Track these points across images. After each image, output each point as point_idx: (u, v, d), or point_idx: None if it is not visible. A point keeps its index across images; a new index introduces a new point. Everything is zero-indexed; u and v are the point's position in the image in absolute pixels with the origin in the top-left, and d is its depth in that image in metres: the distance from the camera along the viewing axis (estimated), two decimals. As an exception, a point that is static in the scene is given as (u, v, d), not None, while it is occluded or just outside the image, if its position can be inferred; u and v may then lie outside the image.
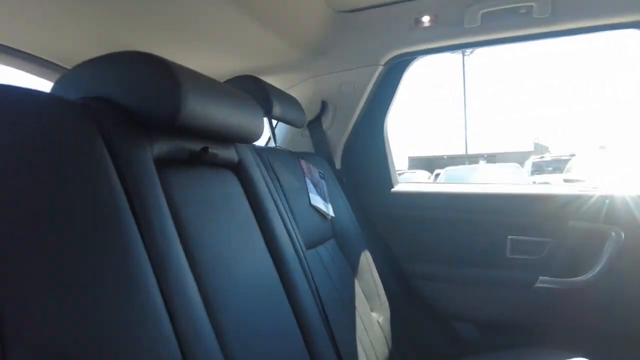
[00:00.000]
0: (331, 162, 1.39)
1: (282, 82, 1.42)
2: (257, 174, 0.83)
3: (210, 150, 0.67)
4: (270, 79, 1.36)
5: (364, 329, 1.08)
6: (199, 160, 0.68)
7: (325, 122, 1.41)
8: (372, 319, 1.16)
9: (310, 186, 1.14)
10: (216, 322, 0.57)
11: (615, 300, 1.21)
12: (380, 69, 1.30)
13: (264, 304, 0.69)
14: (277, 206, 0.86)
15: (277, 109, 1.04)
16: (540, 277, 1.26)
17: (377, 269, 1.27)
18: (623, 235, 1.20)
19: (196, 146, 0.67)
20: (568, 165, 6.67)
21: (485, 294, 1.33)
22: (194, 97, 0.58)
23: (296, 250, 0.85)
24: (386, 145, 1.46)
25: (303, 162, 1.17)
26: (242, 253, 0.70)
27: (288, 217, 0.90)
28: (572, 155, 7.51)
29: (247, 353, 0.60)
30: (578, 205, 1.26)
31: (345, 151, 1.44)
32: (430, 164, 14.60)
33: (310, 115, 1.41)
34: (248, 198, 0.79)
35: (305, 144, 1.43)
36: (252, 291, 0.68)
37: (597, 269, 1.22)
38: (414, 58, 1.33)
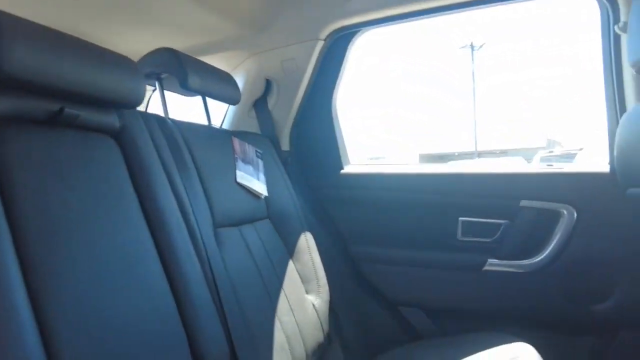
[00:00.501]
0: (276, 143, 1.34)
1: (226, 62, 1.38)
2: (146, 143, 0.79)
3: (66, 110, 0.63)
4: (213, 60, 1.33)
5: (289, 311, 1.03)
6: (63, 122, 0.65)
7: (271, 102, 1.37)
8: (305, 302, 1.11)
9: (239, 164, 1.10)
10: (46, 306, 0.52)
11: (566, 282, 1.14)
12: (321, 44, 1.25)
13: (132, 278, 0.65)
14: (172, 178, 0.82)
15: (194, 81, 1.00)
16: (489, 260, 1.20)
17: (324, 252, 1.23)
18: (575, 214, 1.13)
19: (56, 106, 0.63)
20: (576, 159, 6.49)
21: (434, 278, 1.27)
22: (27, 49, 0.55)
23: (189, 225, 0.80)
24: (335, 125, 1.40)
25: (236, 140, 1.13)
26: (108, 223, 0.66)
27: (190, 191, 0.86)
28: (581, 149, 7.32)
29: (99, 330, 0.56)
30: (530, 184, 1.19)
31: (293, 132, 1.39)
32: (441, 160, 14.42)
33: (255, 95, 1.37)
34: (130, 167, 0.74)
35: (252, 124, 1.38)
36: (120, 264, 0.64)
37: (549, 249, 1.15)
38: (357, 32, 1.28)
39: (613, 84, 1.05)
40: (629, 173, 0.90)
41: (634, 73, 0.96)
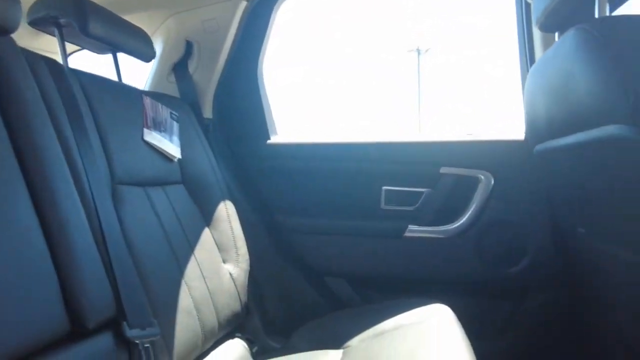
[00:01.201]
0: (198, 110, 1.28)
1: (148, 22, 1.29)
2: (26, 77, 0.70)
3: None
4: (133, 19, 1.24)
5: (200, 277, 0.97)
6: None
7: (192, 65, 1.30)
8: (221, 270, 1.06)
9: (149, 122, 1.03)
10: None
11: (483, 246, 1.16)
12: (243, 4, 1.20)
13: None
14: (57, 121, 0.73)
15: (96, 28, 0.92)
16: (410, 227, 1.20)
17: (247, 222, 1.18)
18: (492, 179, 1.15)
19: None
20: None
21: (359, 247, 1.25)
22: None
23: (75, 171, 0.73)
24: (261, 93, 1.36)
25: (147, 99, 1.06)
26: None
27: (82, 139, 0.78)
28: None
29: None
30: (450, 151, 1.21)
31: (217, 99, 1.33)
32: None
33: (174, 57, 1.29)
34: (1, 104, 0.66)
35: (171, 89, 1.30)
36: None
37: (467, 214, 1.17)
38: (280, -7, 1.24)
39: (525, 48, 1.08)
40: (534, 127, 0.92)
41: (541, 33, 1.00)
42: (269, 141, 1.35)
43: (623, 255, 0.76)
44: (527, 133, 1.01)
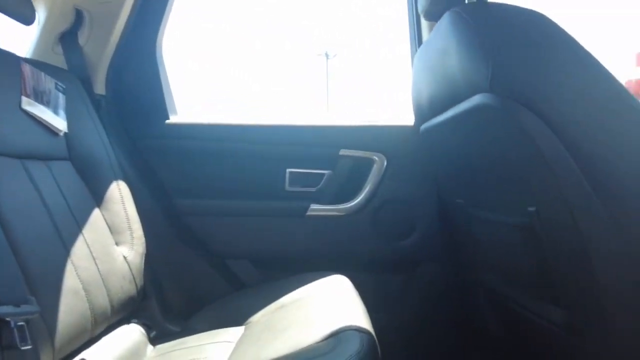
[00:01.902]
0: (88, 84, 1.18)
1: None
2: None
3: None
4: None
5: (90, 258, 0.91)
6: None
7: (82, 37, 1.20)
8: (114, 253, 1.00)
9: (29, 91, 0.93)
10: None
11: (379, 222, 1.25)
12: (140, -26, 1.15)
13: None
14: None
15: None
16: (312, 206, 1.25)
17: (143, 204, 1.12)
18: (385, 161, 1.24)
19: None
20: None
21: (261, 229, 1.27)
22: None
23: None
24: (160, 70, 1.30)
25: (27, 66, 0.95)
26: None
27: None
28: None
29: None
30: (348, 135, 1.28)
31: (111, 74, 1.24)
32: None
33: (61, 26, 1.18)
34: None
35: (58, 61, 1.19)
36: None
37: (364, 193, 1.25)
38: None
39: (415, 39, 1.19)
40: (420, 108, 1.02)
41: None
42: (167, 121, 1.30)
43: (490, 218, 0.88)
44: (415, 116, 1.11)
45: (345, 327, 0.74)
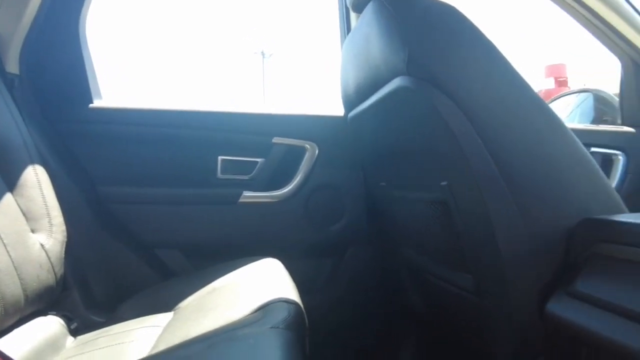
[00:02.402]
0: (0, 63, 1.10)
1: None
2: None
3: None
4: None
5: (1, 245, 0.85)
6: None
7: (-9, 10, 1.11)
8: (29, 240, 0.94)
9: None
10: None
11: (310, 208, 1.28)
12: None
13: None
14: None
15: None
16: (244, 193, 1.25)
17: (64, 191, 1.06)
18: (317, 149, 1.28)
19: None
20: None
21: (193, 217, 1.25)
22: None
23: None
24: (84, 50, 1.24)
25: None
26: None
27: None
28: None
29: None
30: (282, 123, 1.30)
31: (25, 52, 1.16)
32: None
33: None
34: None
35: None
36: None
37: (296, 180, 1.27)
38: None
39: (345, 31, 1.24)
40: (347, 96, 1.07)
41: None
42: (91, 105, 1.24)
43: (409, 196, 0.95)
44: (343, 105, 1.16)
45: (273, 299, 0.76)
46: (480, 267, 0.77)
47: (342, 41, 1.34)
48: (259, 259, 1.10)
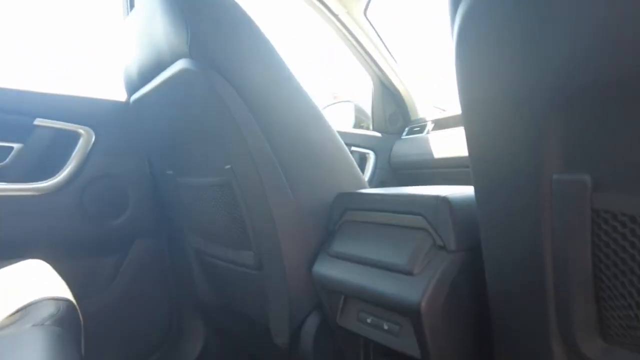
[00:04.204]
0: None
1: None
2: None
3: None
4: None
5: None
6: None
7: None
8: None
9: None
10: None
11: (86, 201, 1.15)
12: None
13: None
14: None
15: None
16: (-2, 184, 1.04)
17: None
18: (94, 135, 1.16)
19: None
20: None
21: None
22: None
23: None
24: None
25: None
26: None
27: None
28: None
29: None
30: (48, 104, 1.13)
31: None
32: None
33: None
34: None
35: None
36: None
37: (67, 169, 1.13)
38: None
39: (128, 7, 1.17)
40: (129, 78, 1.01)
41: None
42: None
43: (194, 182, 0.96)
44: (125, 88, 1.09)
45: (40, 298, 0.67)
46: (259, 243, 0.85)
47: (125, 14, 1.26)
48: (18, 261, 0.93)
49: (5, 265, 0.92)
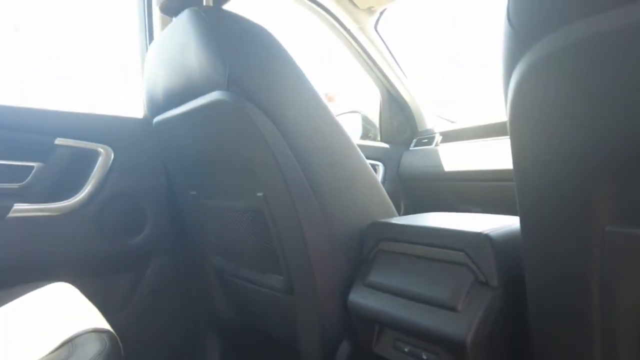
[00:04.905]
0: None
1: None
2: None
3: None
4: None
5: None
6: None
7: None
8: None
9: None
10: None
11: (105, 219, 1.15)
12: None
13: None
14: None
15: None
16: (15, 206, 1.03)
17: None
18: (112, 153, 1.16)
19: None
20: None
21: None
22: None
23: None
24: None
25: None
26: None
27: None
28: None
29: None
30: (67, 123, 1.12)
31: None
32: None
33: None
34: None
35: None
36: None
37: (87, 188, 1.12)
38: None
39: (146, 30, 1.17)
40: (153, 100, 1.01)
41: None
42: None
43: (222, 205, 0.97)
44: (147, 108, 1.09)
45: (81, 331, 0.67)
46: (290, 268, 0.86)
47: (142, 40, 1.25)
48: (45, 284, 0.93)
49: (32, 289, 0.91)
